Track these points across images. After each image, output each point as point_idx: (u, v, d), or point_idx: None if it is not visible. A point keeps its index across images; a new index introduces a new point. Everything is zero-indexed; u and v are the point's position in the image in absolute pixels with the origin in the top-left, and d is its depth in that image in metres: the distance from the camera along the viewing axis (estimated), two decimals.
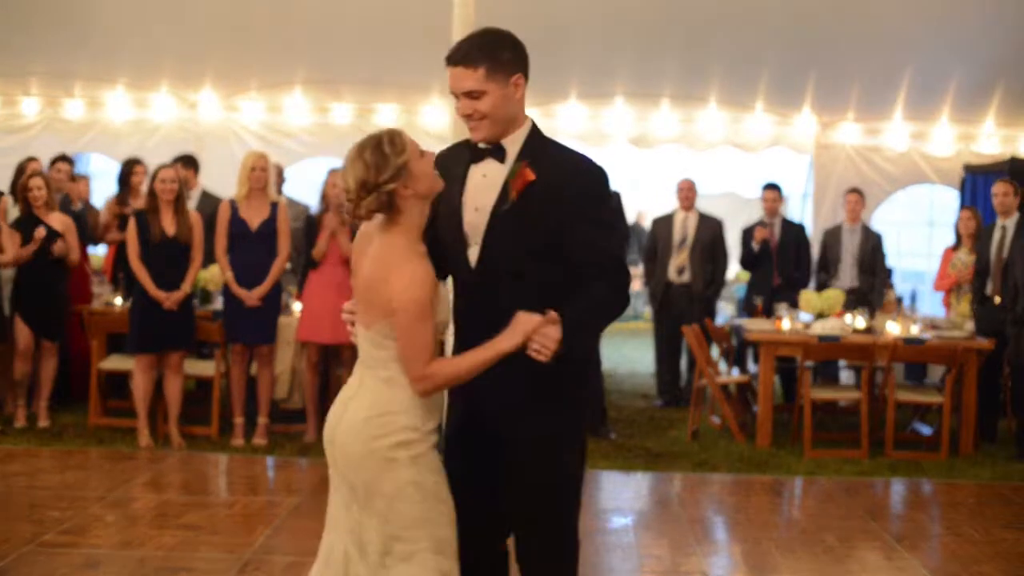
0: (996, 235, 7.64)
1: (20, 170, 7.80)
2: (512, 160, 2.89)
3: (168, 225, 6.83)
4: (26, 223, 7.24)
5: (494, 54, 2.83)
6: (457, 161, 2.95)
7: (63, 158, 8.31)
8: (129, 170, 8.16)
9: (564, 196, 2.82)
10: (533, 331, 2.68)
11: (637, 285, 16.06)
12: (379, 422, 2.76)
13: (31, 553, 4.72)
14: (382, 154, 2.70)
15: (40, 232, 7.10)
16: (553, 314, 2.70)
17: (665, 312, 8.94)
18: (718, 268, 8.93)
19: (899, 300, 8.73)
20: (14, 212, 7.50)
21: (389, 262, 2.72)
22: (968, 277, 8.02)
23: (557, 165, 2.88)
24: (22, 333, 7.22)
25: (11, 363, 7.37)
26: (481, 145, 2.90)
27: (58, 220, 7.32)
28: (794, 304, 8.10)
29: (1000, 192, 7.67)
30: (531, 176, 2.83)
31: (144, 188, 7.38)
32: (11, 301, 7.26)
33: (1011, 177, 8.12)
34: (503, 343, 2.70)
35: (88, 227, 8.02)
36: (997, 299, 7.52)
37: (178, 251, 6.85)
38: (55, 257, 7.18)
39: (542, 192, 2.82)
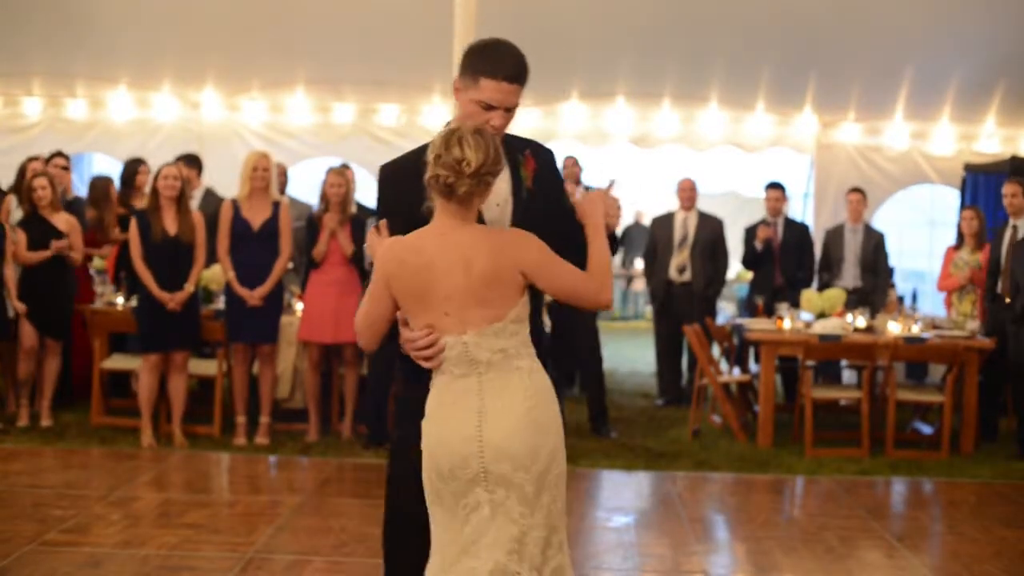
0: (1007, 235, 7.66)
1: (22, 170, 7.80)
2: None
3: (170, 224, 6.83)
4: (32, 223, 7.24)
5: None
6: None
7: (59, 154, 8.29)
8: (134, 170, 8.14)
9: (553, 175, 3.11)
10: (603, 202, 3.02)
11: (639, 284, 16.10)
12: (540, 412, 2.78)
13: (33, 552, 4.74)
14: (498, 149, 2.80)
15: (58, 246, 7.15)
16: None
17: (666, 311, 8.95)
18: (719, 267, 8.94)
19: (900, 299, 8.74)
20: (18, 213, 7.51)
21: (497, 242, 2.79)
22: (968, 279, 8.02)
23: (534, 151, 3.09)
24: (27, 332, 7.24)
25: (14, 362, 7.39)
26: None
27: (63, 220, 7.33)
28: (795, 304, 8.11)
29: (1009, 193, 7.70)
30: (534, 163, 3.03)
31: (146, 189, 7.37)
32: (17, 300, 7.27)
33: (1012, 176, 8.12)
34: (597, 220, 2.97)
35: (84, 219, 7.99)
36: (1007, 300, 7.52)
37: (180, 250, 6.84)
38: (59, 256, 7.20)
39: (542, 176, 3.04)
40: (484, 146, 2.74)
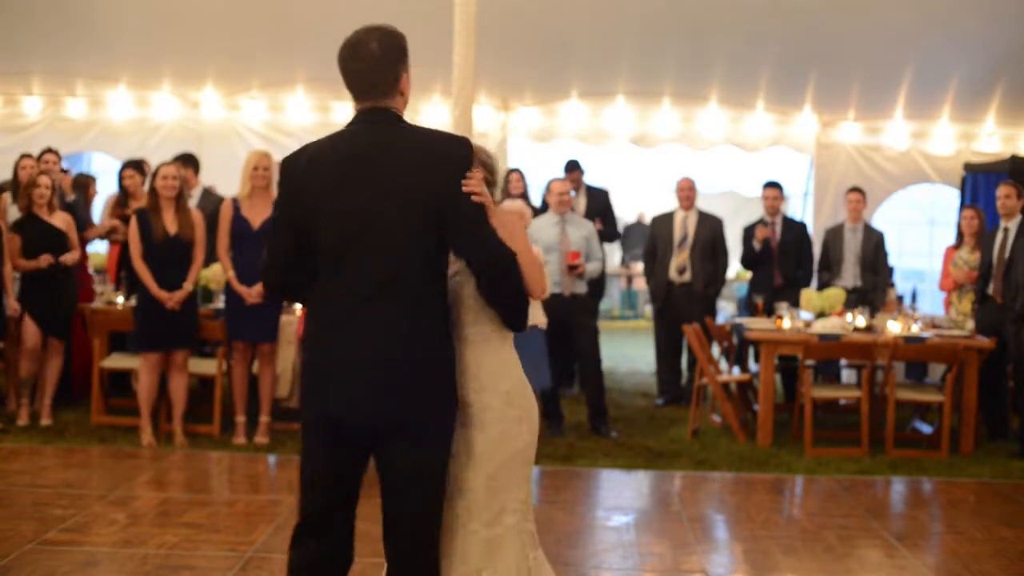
0: (999, 237, 7.63)
1: (16, 168, 7.78)
2: None
3: (170, 223, 6.83)
4: (28, 224, 7.23)
5: None
6: None
7: (49, 150, 8.28)
8: (121, 175, 8.12)
9: None
10: None
11: (640, 283, 16.11)
12: None
13: (33, 551, 4.74)
14: None
15: (64, 260, 7.18)
16: None
17: (666, 311, 8.94)
18: (719, 267, 8.93)
19: (900, 299, 8.74)
20: (13, 211, 7.49)
21: None
22: (967, 278, 8.02)
23: None
24: (30, 332, 7.23)
25: (15, 361, 7.38)
26: None
27: (61, 219, 7.32)
28: (795, 303, 8.10)
29: (1003, 194, 7.67)
30: None
31: (145, 188, 7.36)
32: (19, 300, 7.27)
33: (1011, 176, 8.11)
34: None
35: (82, 220, 8.00)
36: (1000, 300, 7.51)
37: (180, 249, 6.85)
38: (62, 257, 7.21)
39: None
40: None
